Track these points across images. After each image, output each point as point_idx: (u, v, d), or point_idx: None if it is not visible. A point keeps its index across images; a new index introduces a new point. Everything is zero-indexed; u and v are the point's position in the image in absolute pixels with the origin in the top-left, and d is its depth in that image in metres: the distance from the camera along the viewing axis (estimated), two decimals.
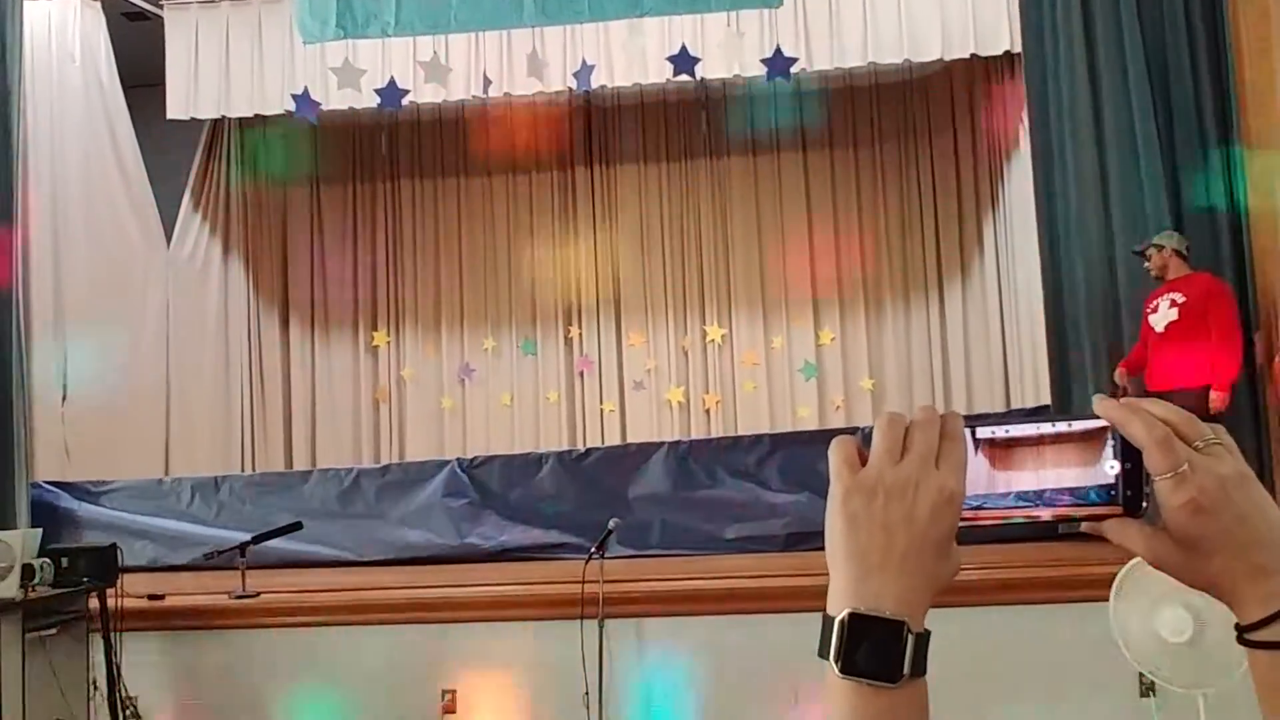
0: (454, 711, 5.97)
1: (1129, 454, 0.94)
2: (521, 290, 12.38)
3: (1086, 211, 7.76)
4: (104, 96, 10.32)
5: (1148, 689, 5.39)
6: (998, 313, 11.06)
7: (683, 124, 12.23)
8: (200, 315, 11.50)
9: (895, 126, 12.11)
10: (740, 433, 10.59)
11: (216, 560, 6.60)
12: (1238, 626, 0.93)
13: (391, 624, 6.22)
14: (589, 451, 8.61)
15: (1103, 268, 7.70)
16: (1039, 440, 0.98)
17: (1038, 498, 0.97)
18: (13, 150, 8.12)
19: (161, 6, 10.36)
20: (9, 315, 7.96)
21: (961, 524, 0.95)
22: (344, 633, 6.24)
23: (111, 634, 5.80)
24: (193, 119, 10.68)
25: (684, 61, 9.55)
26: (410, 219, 12.60)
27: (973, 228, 11.61)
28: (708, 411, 11.65)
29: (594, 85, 10.09)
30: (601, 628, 5.72)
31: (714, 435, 10.71)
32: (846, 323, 12.03)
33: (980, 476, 0.97)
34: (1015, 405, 10.12)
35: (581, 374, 12.19)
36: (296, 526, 7.07)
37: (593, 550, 5.88)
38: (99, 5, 10.23)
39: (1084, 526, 0.97)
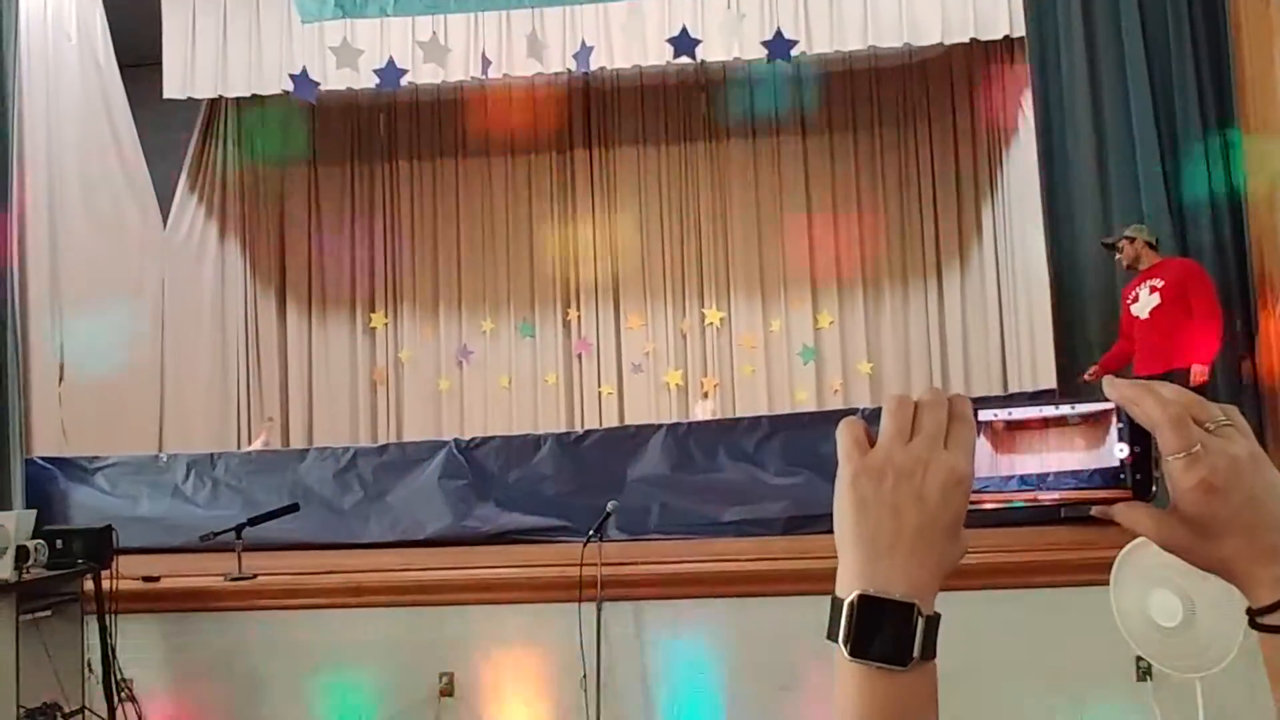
0: (451, 694, 5.95)
1: (1138, 437, 0.93)
2: (520, 272, 12.37)
3: (1087, 194, 7.75)
4: (100, 76, 10.26)
5: (1144, 673, 5.39)
6: (996, 297, 11.06)
7: (682, 106, 12.20)
8: (196, 295, 11.47)
9: (894, 110, 12.09)
10: (739, 415, 10.57)
11: (212, 542, 6.57)
12: (1249, 610, 0.91)
13: (388, 606, 6.19)
14: (587, 434, 8.59)
15: (1101, 250, 7.69)
16: (1043, 423, 0.97)
17: (1041, 481, 0.96)
18: (8, 130, 8.08)
19: None
20: (4, 296, 7.93)
21: None
22: (340, 615, 6.21)
23: (106, 616, 5.77)
24: (189, 99, 10.62)
25: (684, 43, 9.50)
26: (409, 200, 12.57)
27: (971, 212, 11.61)
28: (706, 394, 11.62)
29: (593, 67, 10.05)
30: (599, 611, 5.70)
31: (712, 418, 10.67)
32: (845, 306, 12.03)
33: (983, 460, 0.96)
34: (1013, 389, 10.13)
35: (580, 356, 12.18)
36: (293, 508, 7.04)
37: (591, 533, 5.86)
38: None
39: (1094, 511, 0.96)
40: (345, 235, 12.60)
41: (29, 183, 8.69)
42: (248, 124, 12.05)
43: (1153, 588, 4.25)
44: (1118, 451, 0.94)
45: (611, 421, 11.09)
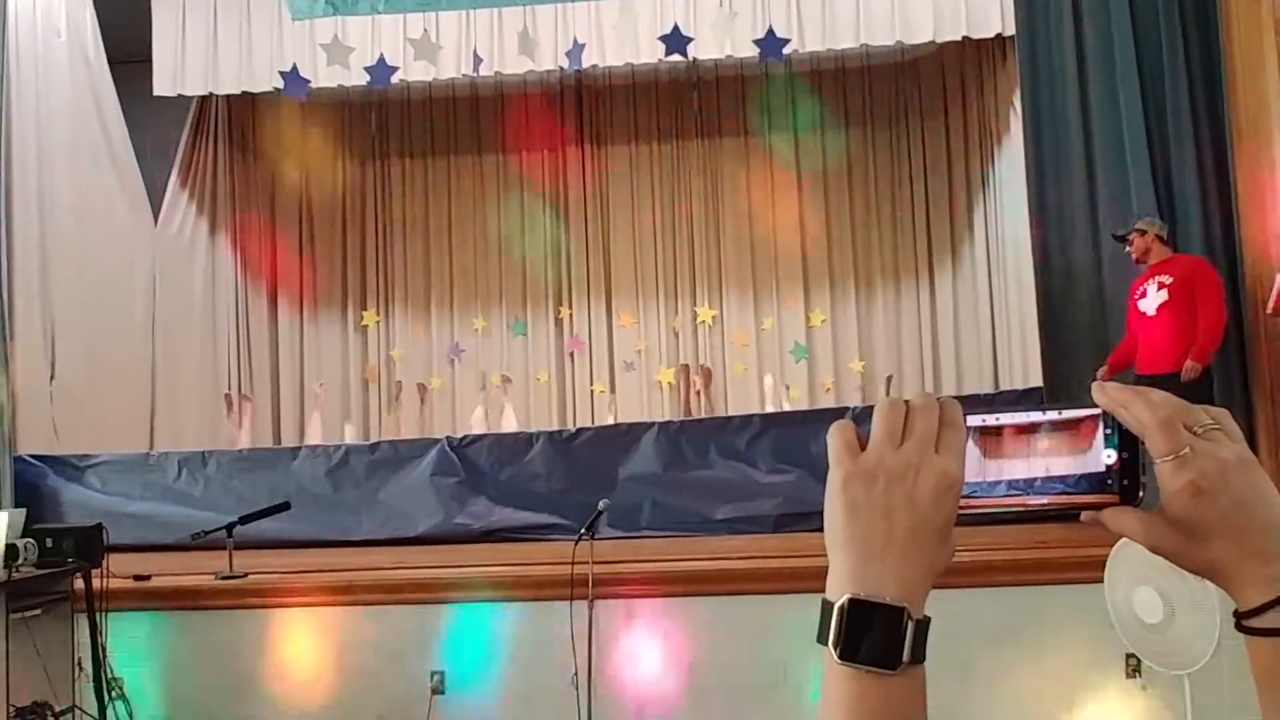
0: (442, 692, 5.96)
1: (1125, 442, 0.94)
2: (512, 270, 12.36)
3: (1076, 193, 7.77)
4: (90, 73, 10.22)
5: (1134, 670, 5.41)
6: (987, 294, 11.07)
7: (674, 104, 12.19)
8: (188, 293, 11.44)
9: (887, 108, 12.10)
10: (730, 413, 10.57)
11: (204, 540, 6.55)
12: (1236, 613, 0.92)
13: (380, 605, 6.19)
14: (579, 432, 8.59)
15: (1091, 249, 7.72)
16: (1031, 428, 0.98)
17: (1028, 486, 0.97)
18: None
19: None
20: None
21: None
22: (331, 614, 6.21)
23: (97, 614, 5.77)
24: (180, 96, 10.59)
25: (676, 41, 9.50)
26: (400, 198, 12.56)
27: (963, 210, 11.62)
28: (698, 392, 11.62)
29: (585, 65, 10.04)
30: (591, 609, 5.70)
31: (704, 416, 10.67)
32: (837, 304, 12.04)
33: (971, 464, 0.96)
34: (1004, 386, 10.14)
35: (572, 354, 12.17)
36: (284, 507, 7.03)
37: (582, 531, 5.85)
38: None
39: (1083, 517, 0.96)
40: (336, 232, 12.59)
41: (17, 181, 8.66)
42: (238, 121, 12.02)
43: (1137, 585, 4.27)
44: (1105, 457, 0.95)
45: (604, 419, 11.07)
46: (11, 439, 8.05)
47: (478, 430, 10.17)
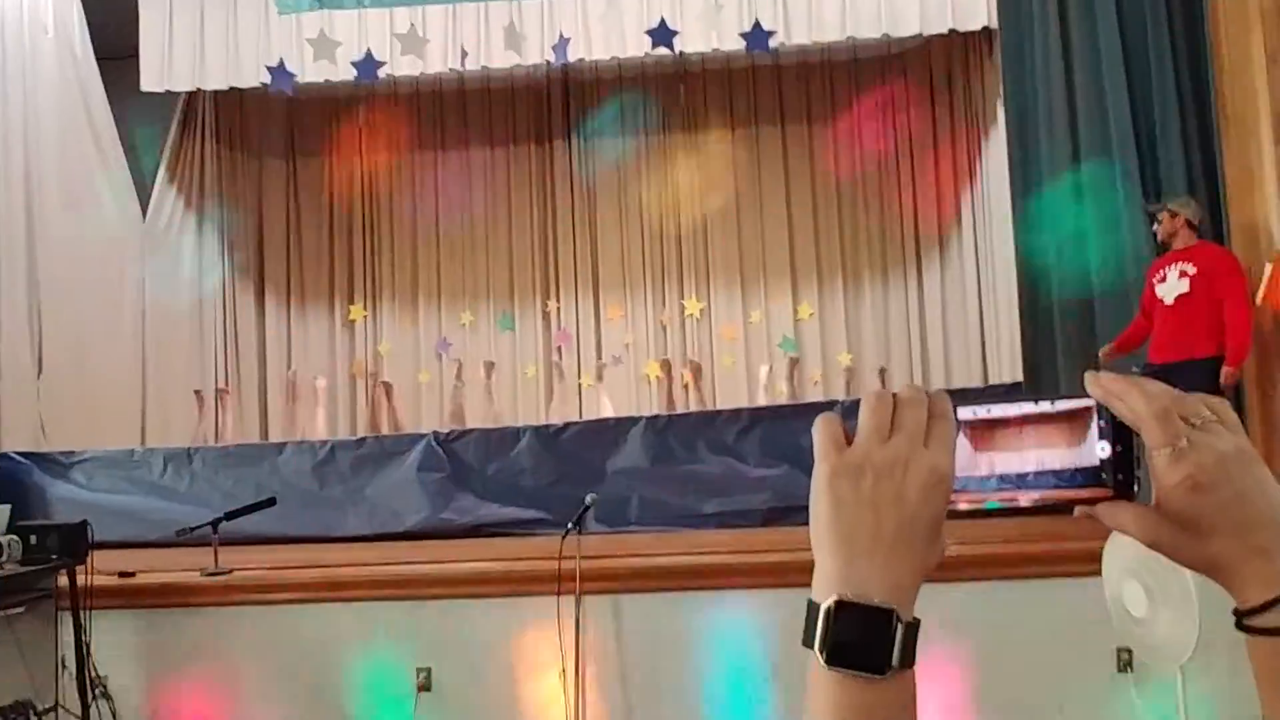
0: (429, 689, 5.94)
1: (1120, 435, 0.91)
2: (499, 264, 12.35)
3: (1059, 188, 7.74)
4: (78, 68, 10.20)
5: (1125, 665, 5.40)
6: (975, 288, 11.07)
7: (661, 98, 12.17)
8: (175, 289, 11.40)
9: (874, 101, 12.08)
10: (719, 407, 10.55)
11: (189, 537, 6.53)
12: (1236, 611, 0.89)
13: (366, 601, 6.17)
14: (566, 426, 8.57)
15: (1075, 244, 7.68)
16: (1021, 421, 0.95)
17: (1020, 480, 0.94)
18: None
19: None
20: None
21: None
22: (317, 610, 6.19)
23: (81, 612, 5.74)
24: (167, 91, 10.56)
25: (662, 35, 9.49)
26: (387, 192, 12.54)
27: (950, 203, 11.62)
28: (685, 386, 11.60)
29: (572, 58, 10.02)
30: (578, 604, 5.69)
31: (692, 409, 10.65)
32: (825, 298, 12.04)
33: (962, 457, 0.93)
34: (993, 380, 10.15)
35: (559, 348, 12.16)
36: (270, 503, 7.01)
37: (570, 526, 5.84)
38: None
39: (1076, 511, 0.94)
40: (323, 227, 12.56)
41: (3, 175, 8.63)
42: (225, 116, 11.98)
43: (1125, 578, 4.27)
44: (1099, 449, 0.92)
45: (591, 413, 11.06)
46: None
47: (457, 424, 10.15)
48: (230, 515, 6.64)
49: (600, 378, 11.56)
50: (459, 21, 10.01)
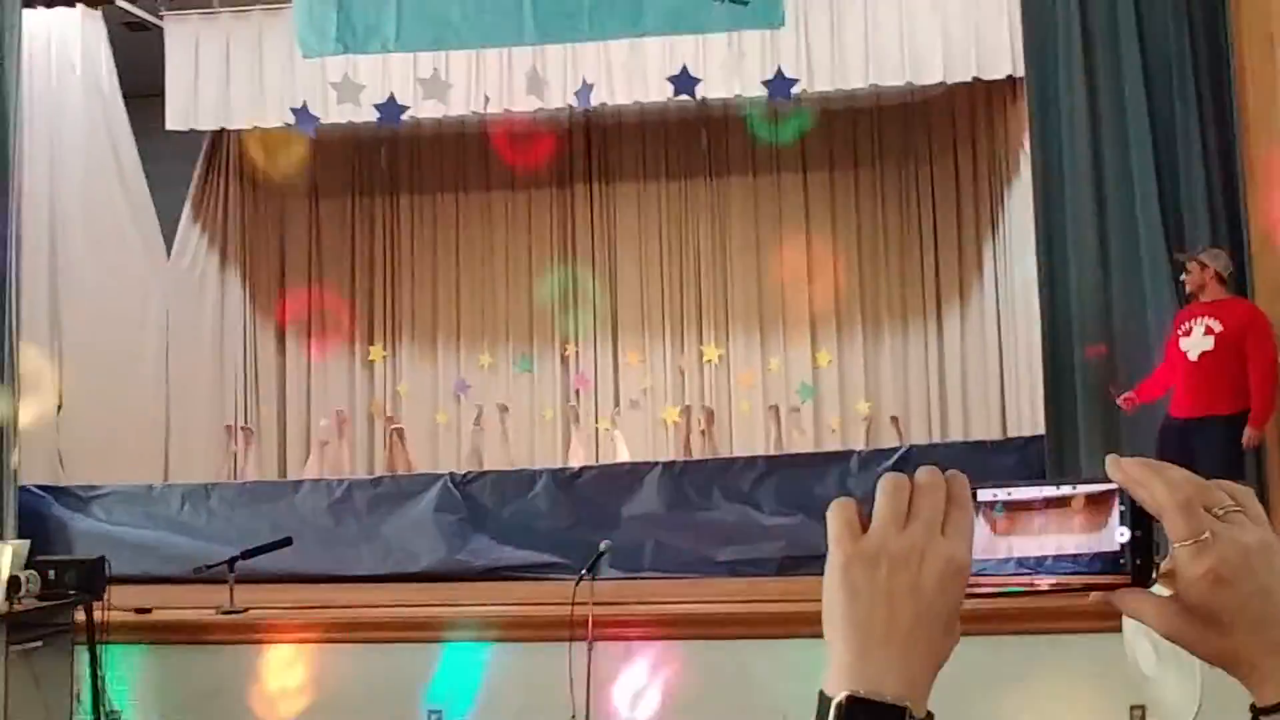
0: None
1: (1139, 520, 0.90)
2: (519, 307, 12.37)
3: (1084, 238, 7.71)
4: (105, 106, 10.30)
5: None
6: (995, 338, 11.02)
7: (683, 143, 12.22)
8: (198, 327, 11.46)
9: (896, 149, 12.10)
10: (735, 454, 10.53)
11: (206, 574, 6.56)
12: (1253, 708, 0.87)
13: (380, 643, 6.17)
14: (582, 470, 8.57)
15: (1100, 292, 7.64)
16: (1042, 504, 0.93)
17: (1038, 564, 0.93)
18: (8, 159, 8.12)
19: (162, 17, 10.33)
20: (0, 324, 7.96)
21: None
22: (331, 650, 6.20)
23: (97, 647, 5.76)
24: (192, 130, 10.66)
25: (684, 82, 9.54)
26: (408, 234, 12.59)
27: (972, 252, 11.59)
28: (703, 432, 11.59)
29: (594, 104, 10.08)
30: (590, 651, 5.67)
31: (709, 456, 10.62)
32: (844, 345, 12.02)
33: (980, 541, 0.92)
34: (1012, 432, 10.07)
35: (578, 392, 12.17)
36: (286, 542, 7.03)
37: (583, 572, 5.83)
38: (100, 15, 10.18)
39: (1093, 597, 0.92)
40: (344, 267, 12.62)
41: (29, 211, 8.70)
42: (249, 156, 12.08)
43: (1137, 635, 4.23)
44: (1118, 535, 0.90)
45: (608, 457, 11.05)
46: (16, 470, 8.05)
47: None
48: (246, 555, 6.66)
49: (616, 423, 11.56)
50: (483, 66, 10.08)
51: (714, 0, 8.17)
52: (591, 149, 12.36)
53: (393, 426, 11.70)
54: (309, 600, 6.66)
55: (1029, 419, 9.72)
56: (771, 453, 10.11)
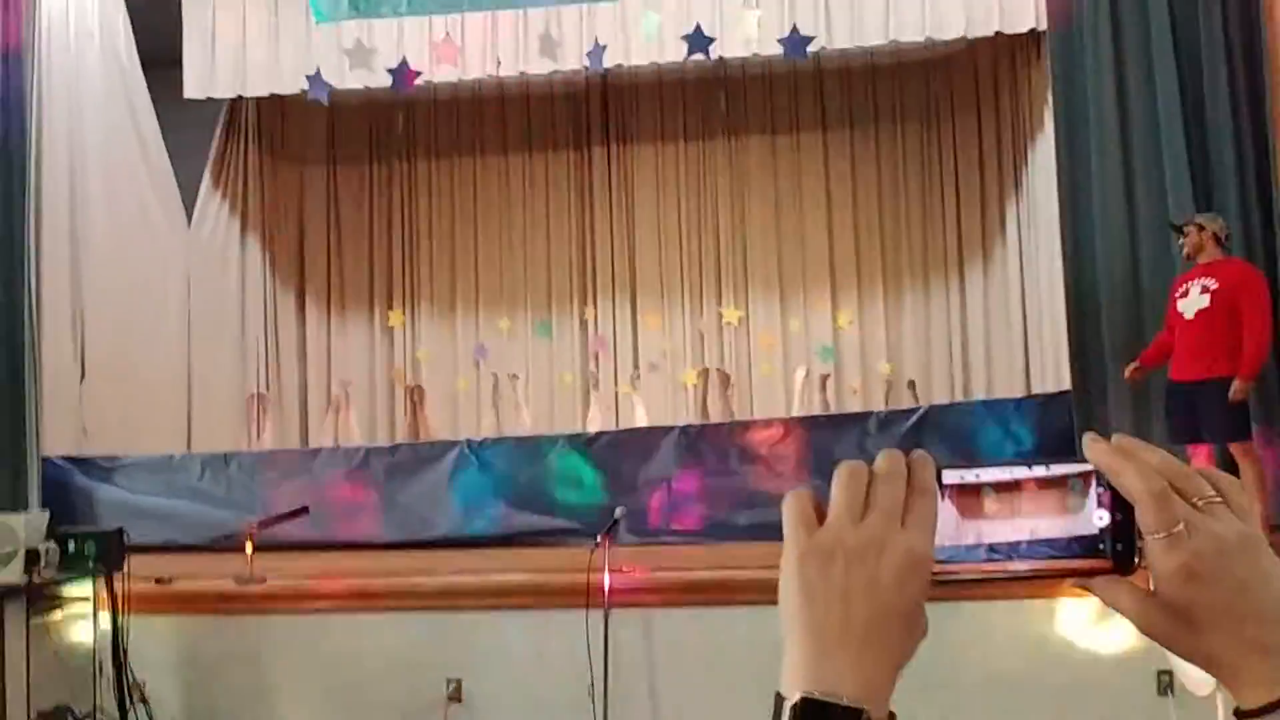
0: (460, 700, 5.95)
1: (1120, 504, 0.84)
2: (537, 271, 12.35)
3: (1110, 194, 7.61)
4: (123, 74, 10.27)
5: (1165, 688, 5.31)
6: (1019, 296, 10.91)
7: (700, 104, 12.12)
8: (220, 294, 11.49)
9: (917, 106, 11.99)
10: (754, 416, 10.50)
11: (226, 543, 6.60)
12: (1237, 712, 0.82)
13: (398, 611, 6.20)
14: (600, 435, 8.56)
15: (1125, 250, 7.56)
16: (1014, 486, 0.87)
17: (1012, 550, 0.86)
18: (27, 128, 8.12)
19: None
20: (20, 295, 7.98)
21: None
22: (350, 619, 6.23)
23: (118, 617, 5.79)
24: (209, 99, 10.63)
25: (698, 40, 9.42)
26: (426, 198, 12.58)
27: (995, 210, 11.48)
28: (722, 394, 11.55)
29: (608, 65, 9.98)
30: (607, 618, 5.67)
31: (727, 419, 10.58)
32: (865, 306, 11.96)
33: (947, 526, 0.86)
34: (1036, 389, 9.98)
35: (596, 355, 12.15)
36: (303, 512, 7.05)
37: (600, 537, 5.83)
38: None
39: (1070, 583, 0.87)
40: (363, 233, 12.62)
41: (49, 180, 8.70)
42: (268, 123, 12.06)
43: None
44: (1097, 518, 0.85)
45: (627, 421, 11.03)
46: (38, 440, 8.10)
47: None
48: (265, 523, 6.68)
49: (636, 387, 11.54)
50: (497, 28, 9.99)
51: None
52: (609, 111, 12.29)
53: (410, 387, 11.73)
54: (328, 569, 6.68)
55: (1052, 375, 9.64)
56: (791, 415, 10.05)
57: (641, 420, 10.30)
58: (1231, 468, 6.04)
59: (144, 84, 10.43)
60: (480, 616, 6.10)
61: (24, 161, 8.10)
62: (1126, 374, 6.84)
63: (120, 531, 6.01)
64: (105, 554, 5.88)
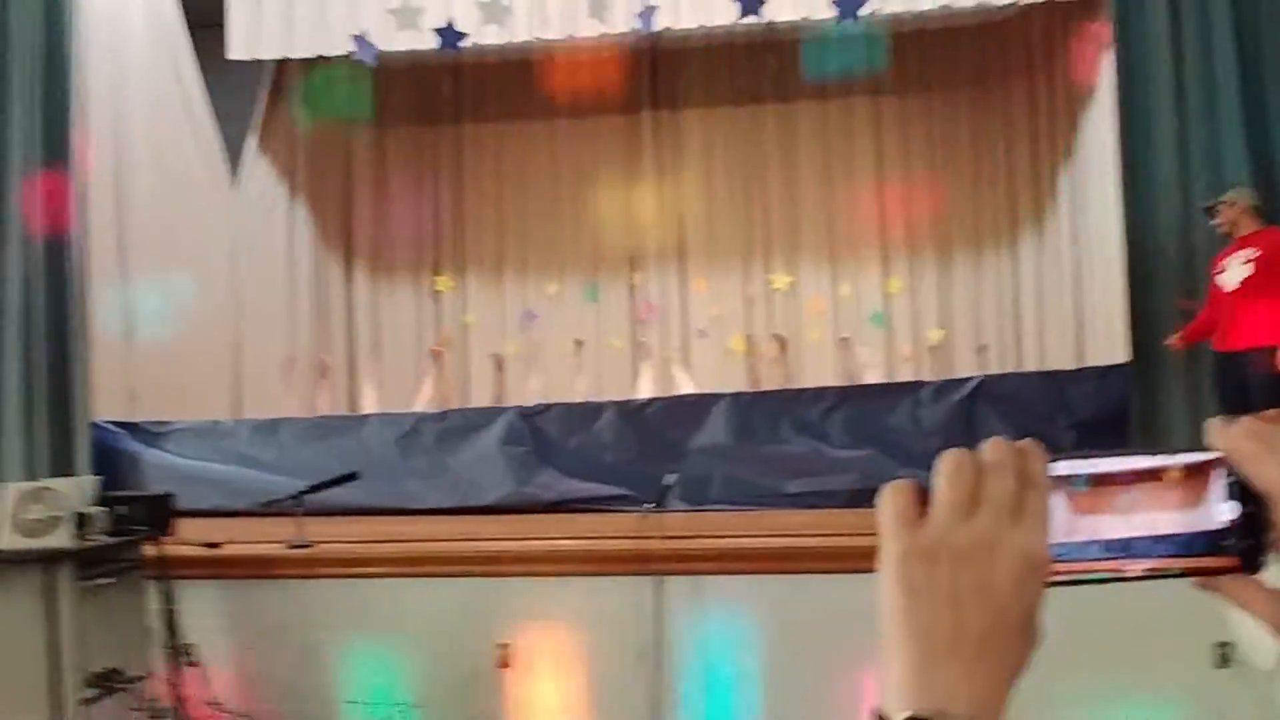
0: (509, 665, 5.92)
1: (1250, 495, 0.76)
2: (585, 235, 12.29)
3: (1166, 161, 7.47)
4: (167, 35, 10.24)
5: (1223, 660, 5.24)
6: (1072, 264, 10.74)
7: (750, 67, 11.98)
8: (267, 258, 11.50)
9: (969, 71, 11.83)
10: (805, 384, 10.40)
11: (275, 507, 6.59)
12: None
13: (447, 576, 6.18)
14: (649, 402, 8.51)
15: (1181, 218, 7.43)
16: (1131, 478, 0.79)
17: (1127, 547, 0.79)
18: (69, 90, 8.11)
19: None
20: (66, 260, 7.98)
21: None
22: (400, 584, 6.22)
23: (168, 582, 5.80)
24: (255, 60, 10.58)
25: (751, 2, 9.29)
26: (474, 162, 12.52)
27: (1047, 176, 11.32)
28: (775, 360, 11.46)
29: (658, 27, 9.86)
30: (659, 585, 5.63)
31: (778, 386, 10.50)
32: (916, 272, 11.83)
33: (1058, 521, 0.78)
34: (1089, 360, 9.83)
35: (645, 321, 12.08)
36: (352, 476, 7.03)
37: (651, 504, 5.78)
38: None
39: (1193, 583, 0.79)
40: (410, 197, 12.56)
41: (94, 144, 8.69)
42: (314, 85, 12.00)
43: (1257, 627, 4.11)
44: (1221, 512, 0.77)
45: (676, 388, 10.97)
46: (88, 407, 8.12)
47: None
48: (314, 489, 6.67)
49: (684, 353, 11.48)
50: None
51: None
52: (658, 75, 12.17)
53: (432, 349, 11.73)
54: (376, 534, 6.66)
55: (1106, 347, 9.48)
56: (841, 383, 9.95)
57: (688, 387, 10.23)
58: None
59: (188, 45, 10.41)
60: (530, 582, 6.07)
61: (64, 125, 8.08)
62: (1168, 344, 6.78)
63: (168, 496, 6.01)
64: (154, 518, 5.88)
